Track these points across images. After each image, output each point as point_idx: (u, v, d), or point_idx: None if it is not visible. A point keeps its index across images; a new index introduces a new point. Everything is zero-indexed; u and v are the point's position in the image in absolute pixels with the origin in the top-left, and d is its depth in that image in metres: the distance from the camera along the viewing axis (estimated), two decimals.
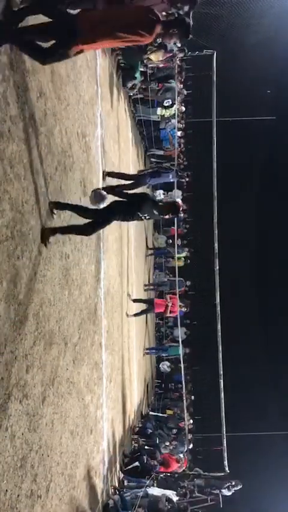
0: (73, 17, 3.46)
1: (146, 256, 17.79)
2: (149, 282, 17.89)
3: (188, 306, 16.92)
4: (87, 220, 4.75)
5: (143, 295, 14.15)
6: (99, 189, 5.58)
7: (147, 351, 15.05)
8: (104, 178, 7.32)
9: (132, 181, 8.44)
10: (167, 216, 5.53)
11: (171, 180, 11.91)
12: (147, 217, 5.17)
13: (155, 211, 5.15)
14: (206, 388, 17.30)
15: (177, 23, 3.77)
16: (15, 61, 3.45)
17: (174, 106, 14.14)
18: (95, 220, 4.79)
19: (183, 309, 14.29)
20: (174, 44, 11.09)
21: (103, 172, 7.31)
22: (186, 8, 3.76)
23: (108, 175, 7.58)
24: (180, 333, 14.86)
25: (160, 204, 5.35)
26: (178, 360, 15.40)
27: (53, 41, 3.40)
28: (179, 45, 11.38)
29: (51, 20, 3.45)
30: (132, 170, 12.19)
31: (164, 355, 18.69)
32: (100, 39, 3.47)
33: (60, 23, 3.43)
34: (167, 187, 19.38)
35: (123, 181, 8.12)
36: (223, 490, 11.26)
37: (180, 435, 13.91)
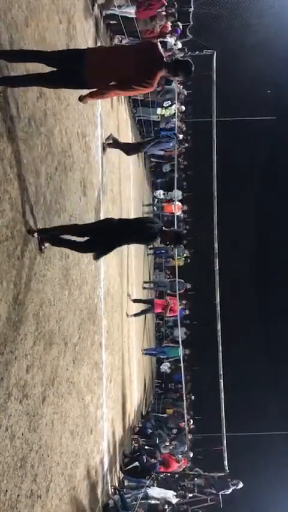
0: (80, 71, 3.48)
1: (147, 254, 17.86)
2: (149, 279, 17.89)
3: (188, 307, 16.96)
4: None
5: (143, 296, 14.16)
6: None
7: (145, 352, 15.04)
8: (104, 150, 7.50)
9: (132, 147, 8.64)
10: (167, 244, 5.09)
11: (171, 146, 12.02)
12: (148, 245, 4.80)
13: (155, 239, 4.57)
14: (206, 388, 17.31)
15: (182, 65, 3.81)
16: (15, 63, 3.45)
17: (174, 106, 14.15)
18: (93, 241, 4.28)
19: (184, 311, 14.34)
20: (175, 45, 11.11)
21: (103, 144, 7.49)
22: (182, 77, 3.96)
23: (109, 146, 7.82)
24: (180, 333, 14.85)
25: (163, 231, 4.52)
26: (178, 360, 15.39)
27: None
28: (179, 45, 11.38)
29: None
30: (132, 170, 12.20)
31: (162, 357, 18.17)
32: (105, 93, 3.65)
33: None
34: (167, 187, 19.40)
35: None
36: (222, 491, 11.26)
37: (180, 435, 13.91)
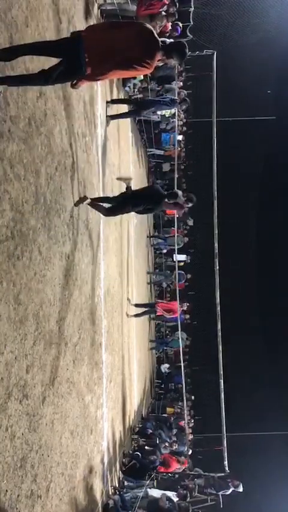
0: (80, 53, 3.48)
1: (150, 244, 18.11)
2: (152, 266, 18.10)
3: (188, 310, 17.01)
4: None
5: (143, 298, 14.16)
6: None
7: (151, 347, 15.20)
8: (108, 106, 7.99)
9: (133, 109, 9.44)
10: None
11: (173, 110, 12.38)
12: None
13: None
14: (206, 388, 17.30)
15: (176, 46, 3.94)
16: (15, 61, 3.44)
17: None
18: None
19: (185, 315, 14.44)
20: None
21: (106, 102, 7.95)
22: (176, 59, 3.99)
23: (112, 102, 8.32)
24: (180, 334, 14.90)
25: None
26: (178, 359, 15.43)
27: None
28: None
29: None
30: (132, 170, 12.19)
31: (166, 347, 19.59)
32: (105, 74, 3.65)
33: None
34: (167, 188, 19.38)
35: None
36: (222, 491, 11.24)
37: (180, 435, 13.89)
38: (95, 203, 5.86)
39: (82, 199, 5.38)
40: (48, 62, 3.62)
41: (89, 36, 3.53)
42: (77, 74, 3.56)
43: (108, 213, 6.28)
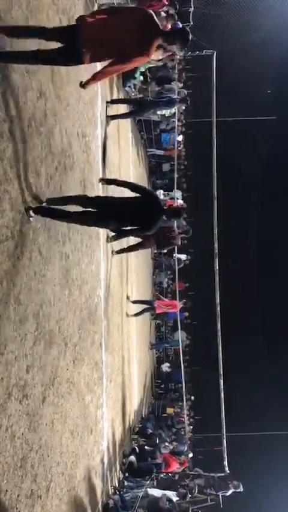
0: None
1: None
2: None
3: (188, 306, 17.00)
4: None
5: (143, 296, 14.16)
6: None
7: (152, 347, 15.22)
8: (108, 106, 7.92)
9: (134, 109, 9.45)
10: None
11: (173, 110, 12.41)
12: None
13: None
14: (206, 388, 17.31)
15: (178, 32, 3.83)
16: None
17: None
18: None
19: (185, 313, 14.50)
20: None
21: (106, 102, 7.85)
22: (178, 45, 3.90)
23: (112, 102, 8.25)
24: (180, 335, 14.92)
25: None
26: (178, 359, 15.45)
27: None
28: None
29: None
30: (132, 170, 12.19)
31: (166, 345, 20.02)
32: (106, 71, 3.65)
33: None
34: (167, 188, 19.41)
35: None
36: (221, 492, 11.24)
37: (180, 435, 13.91)
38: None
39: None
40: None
41: (87, 26, 3.51)
42: (74, 61, 3.53)
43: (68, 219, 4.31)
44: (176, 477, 11.38)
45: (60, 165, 4.67)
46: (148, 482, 8.30)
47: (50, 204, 3.99)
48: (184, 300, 15.83)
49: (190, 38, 3.79)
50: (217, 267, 11.78)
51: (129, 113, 9.71)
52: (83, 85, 3.81)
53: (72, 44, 3.41)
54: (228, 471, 11.89)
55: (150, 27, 3.59)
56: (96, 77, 3.73)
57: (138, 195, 4.56)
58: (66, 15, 5.19)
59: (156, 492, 7.99)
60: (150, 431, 11.40)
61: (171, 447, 12.27)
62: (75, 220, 4.31)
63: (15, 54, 3.37)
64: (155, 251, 19.66)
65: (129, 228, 4.47)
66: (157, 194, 4.81)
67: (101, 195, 5.22)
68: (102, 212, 4.25)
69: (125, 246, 8.74)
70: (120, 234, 5.58)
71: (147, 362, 16.30)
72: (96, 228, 5.44)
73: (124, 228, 4.51)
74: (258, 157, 20.86)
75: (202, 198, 16.31)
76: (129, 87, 10.95)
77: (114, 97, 9.12)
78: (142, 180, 15.92)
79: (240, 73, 17.38)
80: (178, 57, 13.10)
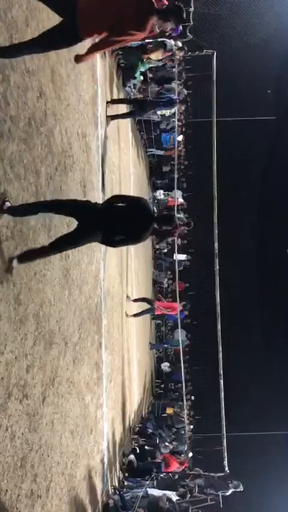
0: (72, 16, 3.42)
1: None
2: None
3: (188, 306, 17.00)
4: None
5: (143, 294, 14.16)
6: None
7: (152, 347, 15.23)
8: (108, 106, 7.98)
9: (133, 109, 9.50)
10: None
11: (173, 110, 12.43)
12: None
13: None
14: (206, 388, 17.31)
15: (172, 8, 3.88)
16: (15, 61, 3.45)
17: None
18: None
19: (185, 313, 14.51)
20: (175, 45, 11.09)
21: (106, 102, 7.92)
22: (173, 22, 3.89)
23: (112, 102, 8.28)
24: (180, 334, 14.93)
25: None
26: (178, 359, 15.46)
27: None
28: (179, 44, 11.37)
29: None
30: (132, 170, 12.19)
31: (166, 345, 20.10)
32: (101, 45, 3.57)
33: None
34: (167, 188, 19.41)
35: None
36: (221, 492, 11.25)
37: (180, 435, 13.91)
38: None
39: None
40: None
41: (83, 6, 3.47)
42: (73, 36, 3.44)
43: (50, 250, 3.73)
44: (176, 477, 11.39)
45: (60, 165, 4.67)
46: (148, 482, 8.29)
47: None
48: (184, 303, 15.84)
49: (184, 15, 3.87)
50: (217, 267, 11.78)
51: (129, 113, 9.71)
52: (77, 59, 3.73)
53: (70, 17, 3.36)
54: (228, 471, 11.90)
55: (146, 3, 3.59)
56: (91, 50, 3.66)
57: (124, 204, 4.10)
58: None
59: (156, 492, 7.98)
60: (150, 431, 11.40)
61: (171, 447, 12.27)
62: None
63: (17, 46, 3.35)
64: (156, 246, 19.72)
65: (118, 238, 3.98)
66: (146, 201, 4.15)
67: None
68: (88, 223, 3.76)
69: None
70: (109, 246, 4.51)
71: (147, 362, 16.31)
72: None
73: (113, 239, 4.00)
74: (258, 157, 20.87)
75: (202, 198, 16.32)
76: (129, 87, 10.94)
77: (114, 97, 9.11)
78: (142, 180, 15.93)
79: (240, 73, 17.40)
80: (178, 57, 13.11)
